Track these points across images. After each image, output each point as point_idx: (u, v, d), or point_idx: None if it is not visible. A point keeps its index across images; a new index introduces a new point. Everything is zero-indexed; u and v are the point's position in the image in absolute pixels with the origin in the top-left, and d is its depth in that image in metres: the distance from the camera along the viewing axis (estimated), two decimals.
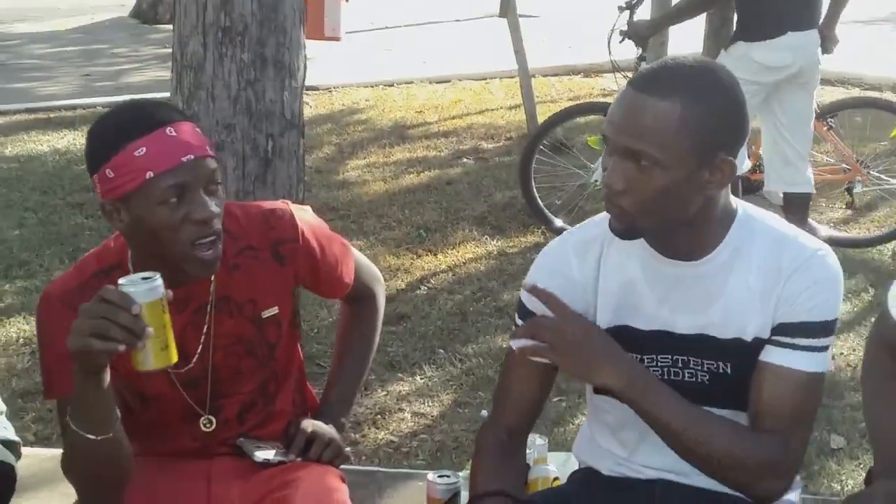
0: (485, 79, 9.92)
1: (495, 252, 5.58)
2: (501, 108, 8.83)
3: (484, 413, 2.52)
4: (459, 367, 4.29)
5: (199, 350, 2.19)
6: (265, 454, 2.26)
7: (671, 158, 1.84)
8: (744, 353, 1.97)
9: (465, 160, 7.32)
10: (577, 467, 2.29)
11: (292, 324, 2.32)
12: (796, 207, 5.22)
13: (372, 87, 9.58)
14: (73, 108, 8.57)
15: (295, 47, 3.41)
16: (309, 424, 2.32)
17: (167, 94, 3.50)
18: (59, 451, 2.17)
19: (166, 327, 1.90)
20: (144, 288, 1.87)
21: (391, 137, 7.86)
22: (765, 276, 1.96)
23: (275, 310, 2.24)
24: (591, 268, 2.05)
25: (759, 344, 1.97)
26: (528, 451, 2.47)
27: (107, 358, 1.89)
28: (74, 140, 7.56)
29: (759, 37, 4.96)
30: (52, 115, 8.36)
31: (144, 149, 2.01)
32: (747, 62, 4.93)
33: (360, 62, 10.62)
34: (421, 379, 4.23)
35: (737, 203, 2.00)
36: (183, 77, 3.36)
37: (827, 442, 3.71)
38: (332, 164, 7.26)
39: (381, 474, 2.73)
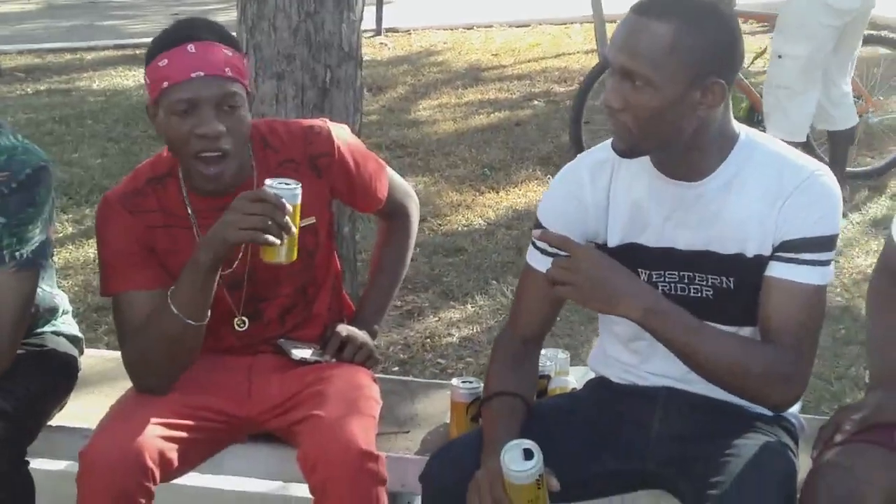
0: (565, 23, 9.96)
1: None
2: (578, 52, 8.88)
3: None
4: (510, 298, 4.41)
5: (240, 255, 2.36)
6: (302, 353, 2.45)
7: (663, 78, 1.94)
8: (746, 269, 2.08)
9: (535, 102, 7.41)
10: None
11: (329, 234, 2.48)
12: (842, 143, 5.29)
13: (451, 30, 9.69)
14: None
15: None
16: (344, 329, 2.51)
17: None
18: (119, 353, 2.39)
19: (297, 228, 2.15)
20: (290, 193, 2.14)
21: (465, 79, 7.97)
22: (765, 196, 2.05)
23: (312, 219, 2.39)
24: (603, 188, 2.17)
25: (760, 260, 2.07)
26: (550, 363, 2.62)
27: (232, 251, 2.20)
28: None
29: None
30: (138, 52, 8.62)
31: (166, 60, 2.23)
32: (819, 6, 4.96)
33: (442, 5, 10.71)
34: (472, 307, 4.39)
35: (739, 128, 2.10)
36: (247, 8, 3.52)
37: (861, 377, 3.80)
38: (404, 104, 7.41)
39: (414, 383, 2.89)
